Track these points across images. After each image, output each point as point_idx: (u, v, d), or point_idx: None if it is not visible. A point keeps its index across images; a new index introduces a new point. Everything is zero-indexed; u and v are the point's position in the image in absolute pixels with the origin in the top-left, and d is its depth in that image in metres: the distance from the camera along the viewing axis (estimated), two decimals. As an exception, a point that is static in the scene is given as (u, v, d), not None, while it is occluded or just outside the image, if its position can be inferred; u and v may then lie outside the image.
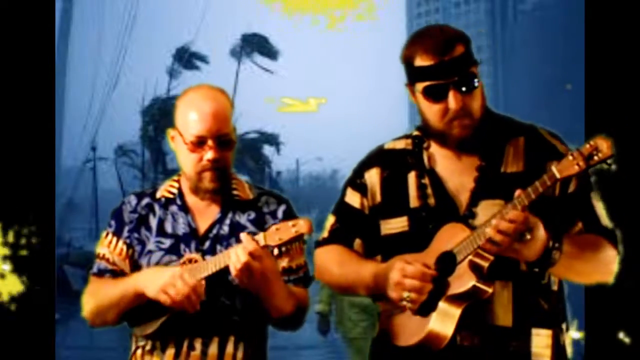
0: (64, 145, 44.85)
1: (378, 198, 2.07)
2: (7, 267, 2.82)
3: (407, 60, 1.98)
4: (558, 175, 1.72)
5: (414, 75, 1.97)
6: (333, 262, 2.10)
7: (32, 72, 2.89)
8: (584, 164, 1.69)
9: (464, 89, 1.91)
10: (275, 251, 2.06)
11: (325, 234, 2.16)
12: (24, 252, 2.83)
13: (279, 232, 1.99)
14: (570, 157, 1.71)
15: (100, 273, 2.20)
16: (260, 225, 2.17)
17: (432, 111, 1.95)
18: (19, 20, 2.88)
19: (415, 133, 2.09)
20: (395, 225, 2.02)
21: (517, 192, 1.76)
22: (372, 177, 2.09)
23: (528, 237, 1.74)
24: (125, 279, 2.13)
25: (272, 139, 34.35)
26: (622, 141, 1.70)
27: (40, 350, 2.80)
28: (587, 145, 1.70)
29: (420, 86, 1.95)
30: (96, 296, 2.15)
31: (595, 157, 1.68)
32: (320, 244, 2.16)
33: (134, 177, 34.08)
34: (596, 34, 3.04)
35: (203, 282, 2.03)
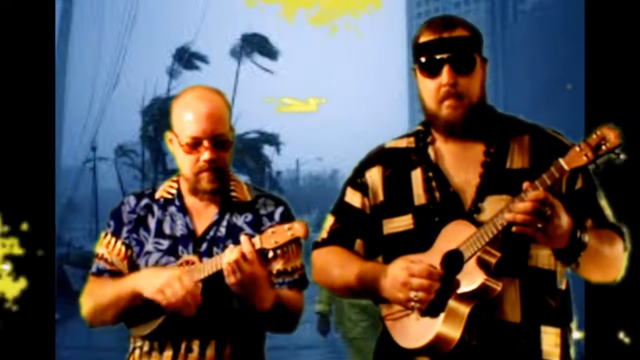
0: (64, 145, 44.81)
1: (380, 197, 2.05)
2: (7, 267, 2.82)
3: (414, 43, 2.00)
4: (566, 167, 1.70)
5: (416, 53, 1.98)
6: (333, 264, 2.06)
7: (32, 72, 2.89)
8: (592, 154, 1.67)
9: (459, 67, 1.91)
10: (271, 253, 2.06)
11: (324, 234, 2.13)
12: (23, 252, 2.83)
13: (274, 235, 1.98)
14: (578, 149, 1.69)
15: (99, 273, 2.20)
16: (257, 227, 2.17)
17: (426, 89, 1.95)
18: (19, 20, 2.88)
19: (419, 128, 2.08)
20: (399, 223, 1.99)
21: (525, 185, 1.74)
22: (374, 176, 2.07)
23: (549, 212, 1.70)
24: (123, 279, 2.13)
25: (272, 139, 34.33)
26: (623, 144, 1.68)
27: (40, 350, 2.80)
28: (594, 136, 1.68)
29: (419, 62, 1.97)
30: (94, 296, 2.15)
31: (603, 147, 1.66)
32: (319, 245, 2.13)
33: (134, 177, 34.10)
34: (596, 34, 3.04)
35: (200, 284, 2.02)
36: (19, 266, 2.83)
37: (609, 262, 1.90)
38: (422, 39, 1.96)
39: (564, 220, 1.74)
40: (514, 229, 1.74)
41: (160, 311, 2.05)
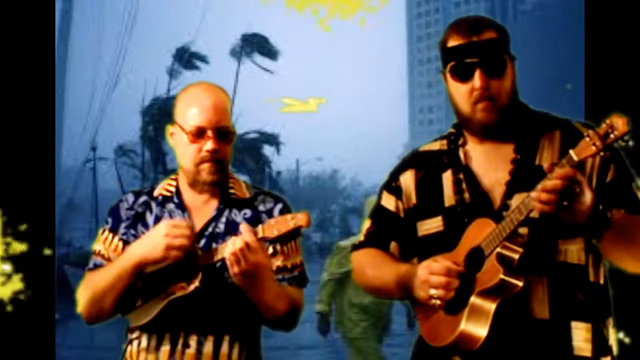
0: (64, 145, 44.88)
1: (413, 200, 2.07)
2: (7, 267, 2.82)
3: (442, 45, 2.00)
4: (575, 158, 1.70)
5: (445, 57, 1.99)
6: (367, 265, 2.11)
7: (32, 72, 2.90)
8: (601, 143, 1.67)
9: (490, 71, 1.92)
10: (270, 249, 2.07)
11: (361, 237, 2.17)
12: (24, 252, 2.83)
13: (277, 224, 1.99)
14: (587, 139, 1.70)
15: (96, 268, 2.20)
16: (256, 223, 2.17)
17: (459, 93, 1.96)
18: (19, 21, 2.88)
19: (451, 131, 2.10)
20: (430, 225, 2.02)
21: (547, 166, 1.74)
22: (407, 179, 2.10)
23: (577, 189, 1.70)
24: (118, 260, 2.13)
25: (272, 139, 34.33)
26: (632, 131, 1.68)
27: (40, 350, 2.80)
28: (603, 125, 1.68)
29: (448, 67, 1.97)
30: (91, 285, 2.15)
31: (612, 136, 1.66)
32: (356, 247, 2.17)
33: (134, 177, 34.10)
34: (596, 34, 3.05)
35: (200, 274, 2.04)
36: (19, 266, 2.83)
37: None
38: (451, 43, 1.96)
39: (588, 196, 1.74)
40: (537, 208, 1.74)
41: (159, 298, 2.05)
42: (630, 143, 1.68)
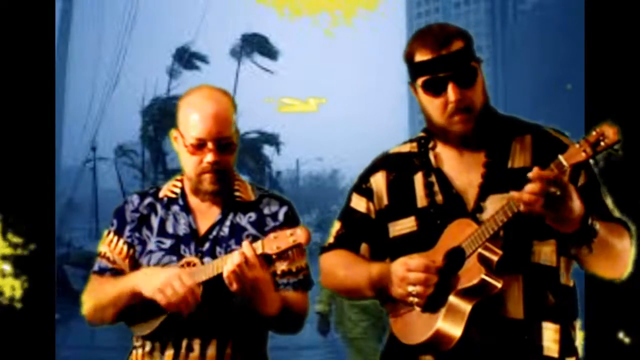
0: (64, 145, 44.87)
1: (385, 201, 2.07)
2: (7, 267, 2.82)
3: (408, 58, 1.99)
4: (565, 164, 1.71)
5: (414, 71, 1.98)
6: (338, 266, 2.09)
7: (32, 72, 2.89)
8: (591, 150, 1.68)
9: (462, 82, 1.92)
10: (274, 255, 2.06)
11: (330, 239, 2.16)
12: (24, 252, 2.83)
13: (276, 241, 1.97)
14: (577, 145, 1.70)
15: (101, 271, 2.20)
16: (260, 227, 2.16)
17: (433, 107, 1.96)
18: (19, 20, 2.88)
19: (421, 134, 2.10)
20: (403, 226, 2.02)
21: (534, 171, 1.73)
22: (378, 181, 2.10)
23: (559, 192, 1.70)
24: (123, 278, 2.13)
25: (272, 139, 34.31)
26: (622, 140, 1.69)
27: (41, 350, 2.80)
28: (593, 133, 1.69)
29: (420, 81, 1.96)
30: (95, 294, 2.15)
31: (602, 144, 1.67)
32: (325, 249, 2.16)
33: (134, 177, 34.08)
34: (596, 34, 3.05)
35: (200, 285, 2.02)
36: (19, 266, 2.83)
37: (618, 255, 1.89)
38: (419, 57, 1.95)
39: (576, 204, 1.74)
40: (522, 208, 1.74)
41: (161, 311, 2.05)
42: (620, 153, 1.69)
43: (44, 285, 2.86)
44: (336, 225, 2.17)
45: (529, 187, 1.70)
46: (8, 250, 2.81)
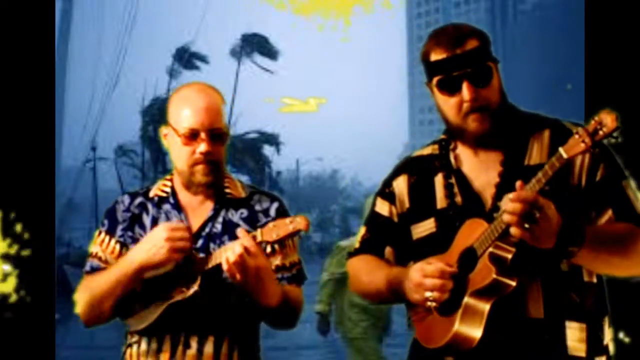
0: (64, 145, 44.88)
1: (406, 204, 2.10)
2: (7, 267, 2.82)
3: (424, 57, 2.00)
4: (565, 155, 1.70)
5: (430, 70, 1.99)
6: (361, 271, 2.13)
7: (32, 72, 2.89)
8: (590, 140, 1.68)
9: (477, 81, 1.92)
10: (268, 249, 2.07)
11: (356, 244, 2.20)
12: (24, 252, 2.83)
13: (276, 229, 1.99)
14: (576, 136, 1.70)
15: (93, 271, 2.21)
16: (252, 223, 2.18)
17: (448, 106, 1.97)
18: (19, 20, 2.88)
19: (442, 137, 2.12)
20: (424, 228, 2.04)
21: (518, 184, 1.75)
22: (400, 184, 2.13)
23: (537, 215, 1.70)
24: (118, 264, 2.12)
25: (272, 139, 34.27)
26: (621, 127, 1.68)
27: (40, 350, 2.80)
28: (592, 122, 1.68)
29: (435, 80, 1.97)
30: (90, 288, 2.15)
31: (600, 132, 1.66)
32: (351, 254, 2.20)
33: (134, 177, 34.05)
34: (596, 34, 3.05)
35: (198, 279, 2.03)
36: (19, 266, 2.83)
37: (625, 260, 1.86)
38: (435, 57, 1.96)
39: (552, 221, 1.74)
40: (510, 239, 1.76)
41: (158, 302, 2.05)
42: (620, 140, 1.68)
43: (44, 285, 2.86)
44: (362, 230, 2.21)
45: (509, 207, 1.71)
46: (8, 250, 2.81)
